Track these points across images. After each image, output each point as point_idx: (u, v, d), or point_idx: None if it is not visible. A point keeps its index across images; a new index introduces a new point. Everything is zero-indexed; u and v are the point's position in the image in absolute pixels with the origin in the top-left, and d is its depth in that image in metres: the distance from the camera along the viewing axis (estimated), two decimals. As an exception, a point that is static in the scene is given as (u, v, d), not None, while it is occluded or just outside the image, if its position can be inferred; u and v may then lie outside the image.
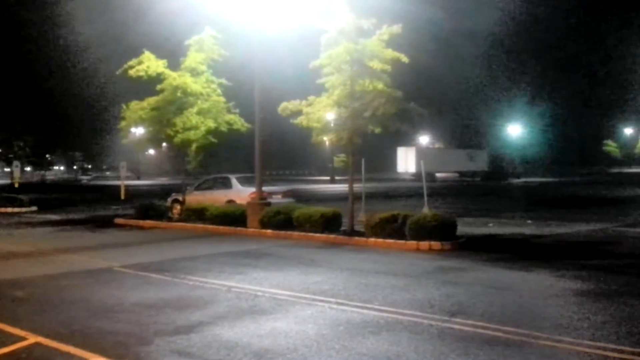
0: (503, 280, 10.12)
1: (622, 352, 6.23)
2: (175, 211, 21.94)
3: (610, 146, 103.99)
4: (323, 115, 15.84)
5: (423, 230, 13.65)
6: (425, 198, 16.49)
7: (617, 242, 14.66)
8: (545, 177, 66.50)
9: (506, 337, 6.78)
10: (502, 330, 6.98)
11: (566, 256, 12.55)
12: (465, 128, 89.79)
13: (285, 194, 21.94)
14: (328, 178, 62.02)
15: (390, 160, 65.58)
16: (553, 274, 10.45)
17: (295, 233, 15.90)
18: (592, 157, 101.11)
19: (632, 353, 6.19)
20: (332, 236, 15.20)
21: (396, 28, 15.05)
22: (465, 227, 16.39)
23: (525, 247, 13.99)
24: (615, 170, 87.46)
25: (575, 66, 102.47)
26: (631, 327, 7.13)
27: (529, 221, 19.53)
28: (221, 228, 17.73)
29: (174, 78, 19.26)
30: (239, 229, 17.34)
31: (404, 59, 15.23)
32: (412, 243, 13.61)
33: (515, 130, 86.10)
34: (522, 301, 8.60)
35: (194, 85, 19.31)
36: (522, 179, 62.45)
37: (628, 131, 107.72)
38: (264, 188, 18.76)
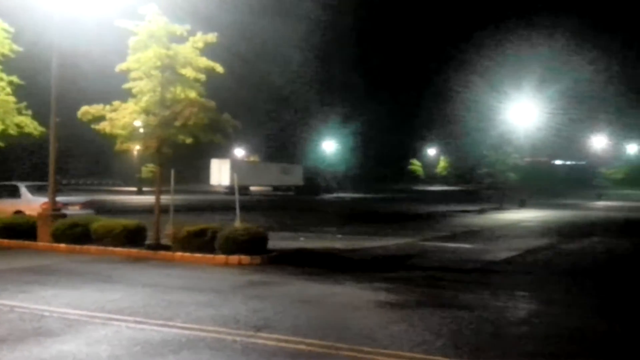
0: (311, 293, 10.42)
1: (412, 359, 6.71)
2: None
3: (415, 165, 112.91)
4: (129, 122, 15.22)
5: (233, 244, 13.65)
6: (238, 211, 16.51)
7: (419, 255, 15.83)
8: (356, 192, 70.16)
9: (309, 349, 6.97)
10: (306, 343, 7.17)
11: (373, 269, 13.26)
12: (281, 142, 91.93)
13: (84, 205, 20.76)
14: (135, 189, 59.77)
15: (203, 173, 64.97)
16: (359, 287, 10.98)
17: (94, 247, 15.06)
18: (400, 174, 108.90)
19: (424, 360, 6.70)
20: (135, 250, 14.64)
21: (211, 36, 14.99)
22: (277, 241, 16.67)
23: (334, 261, 14.55)
24: (419, 187, 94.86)
25: (390, 86, 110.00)
26: (427, 335, 7.69)
27: (339, 235, 20.41)
28: (6, 242, 16.25)
29: (-48, 72, 17.35)
30: (27, 242, 16.02)
31: (219, 68, 15.19)
32: (221, 257, 13.55)
33: (330, 147, 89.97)
34: (328, 314, 8.92)
35: (-22, 81, 17.53)
36: (335, 194, 65.28)
37: (431, 152, 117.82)
38: (60, 198, 17.59)
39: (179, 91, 15.04)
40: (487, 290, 10.96)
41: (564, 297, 10.61)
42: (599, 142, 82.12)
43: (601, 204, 50.94)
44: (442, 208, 39.30)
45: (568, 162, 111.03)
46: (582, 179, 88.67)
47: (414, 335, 7.65)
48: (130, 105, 15.13)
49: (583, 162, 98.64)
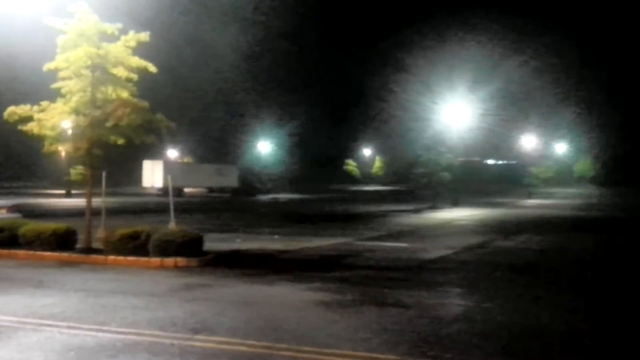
0: (249, 295, 10.47)
1: (353, 357, 6.87)
2: None
3: (351, 165, 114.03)
4: (58, 122, 14.89)
5: (168, 247, 13.54)
6: (172, 213, 16.38)
7: (356, 255, 16.06)
8: (292, 193, 70.27)
9: (249, 350, 7.04)
10: (246, 345, 7.23)
11: (310, 269, 13.38)
12: (216, 143, 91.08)
13: (11, 209, 20.15)
14: (64, 192, 58.03)
15: (136, 174, 63.67)
16: (298, 287, 11.10)
17: (22, 252, 14.62)
18: (336, 175, 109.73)
19: (364, 357, 6.85)
20: (65, 255, 14.30)
21: (144, 35, 14.81)
22: (214, 243, 16.59)
23: (272, 262, 14.62)
24: (355, 188, 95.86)
25: (325, 86, 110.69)
26: (367, 333, 7.87)
27: (276, 236, 20.47)
28: None
29: None
30: (-50, 249, 15.38)
31: (152, 68, 15.02)
32: (156, 260, 13.42)
33: (266, 147, 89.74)
34: (266, 314, 8.99)
35: None
36: (271, 195, 65.17)
37: (367, 152, 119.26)
38: (-16, 202, 16.95)
39: (110, 91, 14.83)
40: (424, 288, 11.27)
41: (498, 293, 10.99)
42: (529, 141, 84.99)
43: (532, 202, 52.77)
44: (377, 208, 39.88)
45: (500, 162, 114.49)
46: (513, 178, 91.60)
47: (354, 334, 7.81)
48: (59, 106, 14.79)
49: (514, 162, 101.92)
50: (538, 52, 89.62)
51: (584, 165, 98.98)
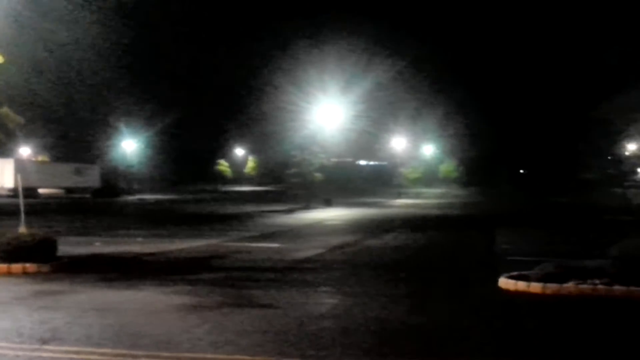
0: (106, 301, 10.01)
1: (215, 360, 6.76)
2: None
3: (223, 165, 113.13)
4: None
5: (16, 252, 12.72)
6: (22, 216, 15.41)
7: (225, 256, 15.88)
8: (161, 194, 68.51)
9: (102, 359, 6.70)
10: (99, 353, 6.89)
11: (174, 272, 13.03)
12: (75, 141, 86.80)
13: None
14: None
15: (-17, 174, 59.45)
16: (159, 291, 10.76)
17: None
18: (208, 175, 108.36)
19: (226, 360, 6.75)
20: None
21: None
22: (70, 247, 15.81)
23: (133, 266, 14.10)
24: (227, 188, 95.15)
25: (197, 85, 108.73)
26: (231, 335, 7.73)
27: (140, 239, 19.82)
28: None
29: None
30: None
31: (-1, 58, 14.06)
32: (2, 266, 12.54)
33: (131, 146, 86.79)
34: (124, 321, 8.61)
35: None
36: (137, 196, 63.17)
37: (239, 152, 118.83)
38: None
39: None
40: (292, 287, 11.31)
41: (364, 290, 11.23)
42: (399, 143, 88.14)
43: (400, 202, 54.83)
44: (250, 208, 39.76)
45: (371, 163, 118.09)
46: (384, 179, 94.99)
47: (218, 337, 7.66)
48: None
49: (385, 163, 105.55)
50: (404, 56, 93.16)
51: (448, 166, 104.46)
